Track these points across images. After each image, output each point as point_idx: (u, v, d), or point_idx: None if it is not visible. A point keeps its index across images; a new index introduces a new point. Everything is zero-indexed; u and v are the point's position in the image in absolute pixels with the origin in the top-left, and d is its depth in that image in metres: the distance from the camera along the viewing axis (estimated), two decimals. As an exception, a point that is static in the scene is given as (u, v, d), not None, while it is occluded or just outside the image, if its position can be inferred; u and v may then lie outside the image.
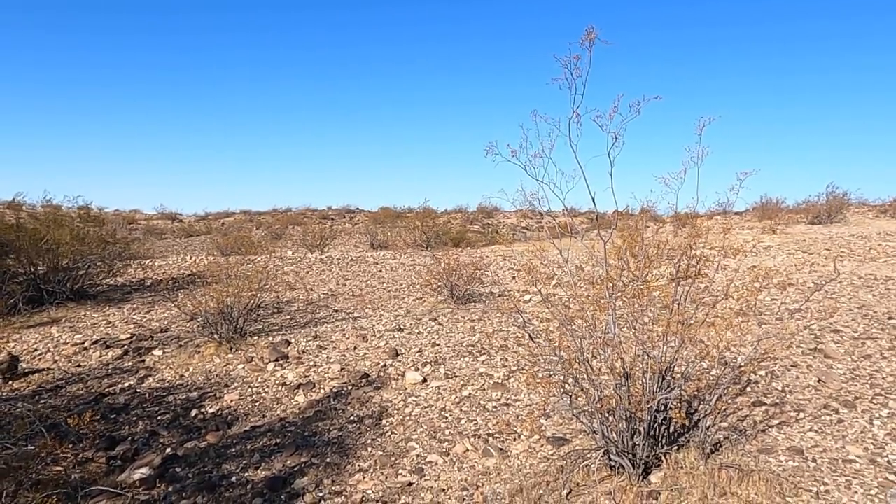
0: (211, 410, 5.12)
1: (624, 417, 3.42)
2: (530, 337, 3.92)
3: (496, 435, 4.42)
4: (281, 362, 6.13)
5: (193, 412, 5.09)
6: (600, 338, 3.42)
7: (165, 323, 7.78)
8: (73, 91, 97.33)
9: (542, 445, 4.19)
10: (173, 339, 7.04)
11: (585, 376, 3.48)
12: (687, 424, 3.69)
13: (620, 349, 3.43)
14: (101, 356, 6.55)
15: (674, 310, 3.49)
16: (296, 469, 4.08)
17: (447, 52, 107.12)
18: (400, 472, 4.01)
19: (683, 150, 3.50)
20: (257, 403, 5.25)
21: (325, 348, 6.58)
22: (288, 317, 8.03)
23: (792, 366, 5.17)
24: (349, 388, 5.46)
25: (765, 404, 4.46)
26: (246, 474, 4.04)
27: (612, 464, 3.52)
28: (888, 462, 3.54)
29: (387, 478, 3.94)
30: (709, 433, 3.65)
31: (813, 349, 5.52)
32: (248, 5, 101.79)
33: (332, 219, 27.69)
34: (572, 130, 3.40)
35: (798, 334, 5.93)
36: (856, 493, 3.25)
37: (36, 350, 6.75)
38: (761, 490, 3.20)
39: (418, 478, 3.92)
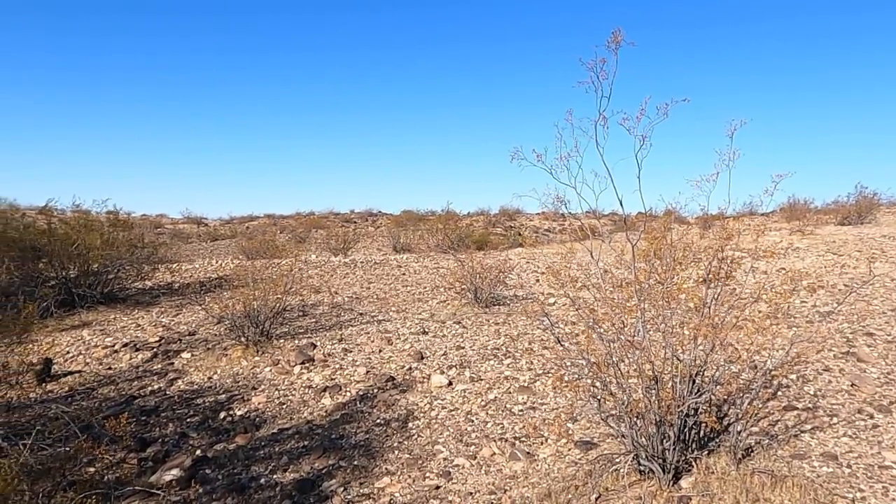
0: (239, 413, 5.19)
1: (653, 421, 3.38)
2: (557, 340, 3.90)
3: (523, 438, 4.41)
4: (307, 365, 6.19)
5: (222, 414, 5.17)
6: (629, 341, 3.39)
7: (193, 326, 7.91)
8: (100, 96, 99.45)
9: (569, 449, 4.16)
10: (201, 342, 7.16)
11: (614, 380, 3.45)
12: (718, 429, 3.63)
13: (649, 352, 3.40)
14: (130, 359, 6.69)
15: (704, 312, 3.45)
16: (324, 471, 4.11)
17: (470, 53, 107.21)
18: (427, 475, 4.03)
19: (713, 152, 3.46)
20: (284, 406, 5.31)
21: (351, 351, 6.62)
22: (313, 320, 8.10)
23: (824, 370, 5.06)
24: (375, 390, 5.49)
25: (797, 409, 4.37)
26: (275, 476, 4.09)
27: (642, 468, 3.49)
28: (928, 469, 3.45)
29: (414, 481, 3.96)
30: (740, 438, 3.59)
31: (845, 353, 5.40)
32: (277, 6, 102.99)
33: (355, 222, 27.83)
34: (599, 133, 3.38)
35: (830, 337, 5.80)
36: (893, 500, 3.16)
37: (68, 353, 6.92)
38: (795, 496, 3.13)
39: (445, 481, 3.93)
